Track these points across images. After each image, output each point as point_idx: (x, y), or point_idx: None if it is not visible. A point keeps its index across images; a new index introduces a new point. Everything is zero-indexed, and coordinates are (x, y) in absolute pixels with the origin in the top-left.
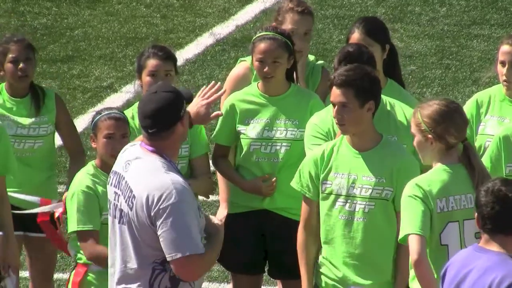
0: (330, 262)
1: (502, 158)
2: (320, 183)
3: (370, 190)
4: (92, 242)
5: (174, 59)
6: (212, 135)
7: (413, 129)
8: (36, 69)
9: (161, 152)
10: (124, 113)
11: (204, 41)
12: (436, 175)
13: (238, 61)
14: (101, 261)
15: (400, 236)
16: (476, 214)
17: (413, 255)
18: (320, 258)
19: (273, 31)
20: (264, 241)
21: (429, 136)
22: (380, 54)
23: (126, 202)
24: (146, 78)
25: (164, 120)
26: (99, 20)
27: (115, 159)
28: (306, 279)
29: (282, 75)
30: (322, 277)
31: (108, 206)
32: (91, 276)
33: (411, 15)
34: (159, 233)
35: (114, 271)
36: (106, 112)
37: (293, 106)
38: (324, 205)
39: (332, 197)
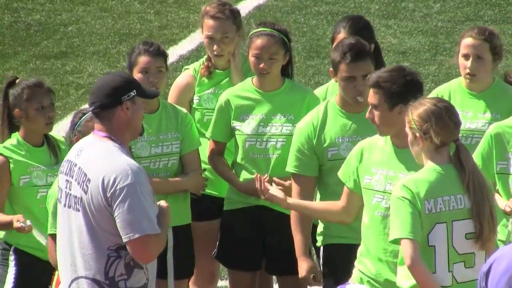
0: (366, 258)
1: (493, 155)
2: (361, 177)
3: None
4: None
5: (165, 55)
6: (207, 132)
7: (406, 127)
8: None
9: (112, 137)
10: None
11: (198, 37)
12: (425, 175)
13: (183, 69)
14: None
15: (390, 238)
16: None
17: (406, 260)
18: (358, 253)
19: (270, 27)
20: (261, 236)
21: (417, 134)
22: None
23: (80, 186)
24: (137, 75)
25: (102, 99)
26: (93, 16)
27: None
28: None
29: (277, 71)
30: (359, 272)
31: (59, 195)
32: None
33: (404, 11)
34: (115, 214)
35: (67, 258)
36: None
37: (288, 101)
38: (364, 200)
39: (371, 192)
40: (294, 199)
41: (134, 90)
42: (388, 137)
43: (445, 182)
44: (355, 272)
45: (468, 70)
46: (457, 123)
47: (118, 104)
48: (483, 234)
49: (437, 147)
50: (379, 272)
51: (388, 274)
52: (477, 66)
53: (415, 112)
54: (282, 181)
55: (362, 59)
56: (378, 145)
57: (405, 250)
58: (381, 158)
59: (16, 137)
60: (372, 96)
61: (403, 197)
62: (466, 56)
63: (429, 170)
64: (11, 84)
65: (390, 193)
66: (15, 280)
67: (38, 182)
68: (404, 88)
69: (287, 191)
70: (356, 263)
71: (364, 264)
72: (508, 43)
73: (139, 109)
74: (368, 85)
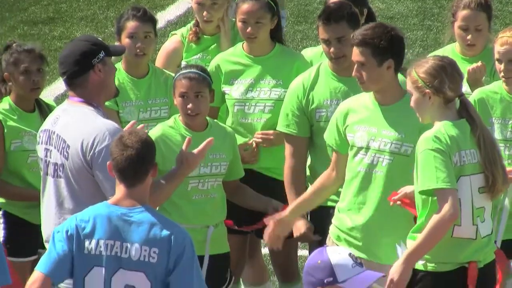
0: (343, 213)
1: None
2: (346, 136)
3: (389, 144)
4: None
5: (153, 21)
6: None
7: (409, 87)
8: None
9: (88, 101)
10: None
11: (185, 2)
12: (448, 129)
13: (170, 34)
14: None
15: (423, 187)
16: None
17: (450, 209)
18: (336, 210)
19: None
20: None
21: (427, 91)
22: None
23: (61, 153)
24: (125, 40)
25: (72, 66)
26: None
27: None
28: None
29: (265, 35)
30: (335, 228)
31: (40, 166)
32: None
33: None
34: (97, 177)
35: (51, 226)
36: None
37: (277, 66)
38: (348, 157)
39: (354, 149)
40: (290, 207)
41: (102, 51)
42: (372, 94)
43: (463, 136)
44: (332, 228)
45: (469, 42)
46: (461, 76)
47: (90, 68)
48: (496, 185)
49: (446, 102)
50: (355, 224)
51: (364, 227)
52: (477, 37)
53: (421, 70)
54: (267, 132)
55: (334, 22)
56: (362, 103)
57: (447, 199)
58: (365, 115)
59: (8, 102)
60: (358, 55)
61: (437, 148)
62: (465, 29)
63: (449, 125)
64: (7, 48)
65: (374, 149)
66: (4, 242)
67: (29, 146)
68: (390, 43)
69: (274, 142)
70: (333, 219)
71: (340, 220)
72: (495, 8)
73: (110, 69)
74: (353, 44)
